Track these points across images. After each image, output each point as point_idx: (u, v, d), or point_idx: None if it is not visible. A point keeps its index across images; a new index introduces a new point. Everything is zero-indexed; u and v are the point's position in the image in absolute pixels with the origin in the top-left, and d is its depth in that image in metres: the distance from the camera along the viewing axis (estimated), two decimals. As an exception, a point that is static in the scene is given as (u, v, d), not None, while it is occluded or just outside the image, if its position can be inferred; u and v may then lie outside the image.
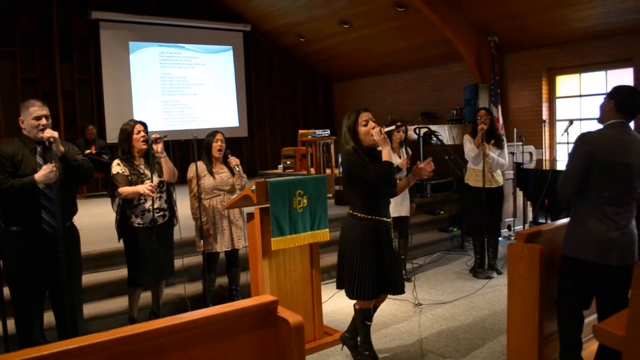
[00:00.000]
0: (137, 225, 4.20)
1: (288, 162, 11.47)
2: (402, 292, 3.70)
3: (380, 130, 3.52)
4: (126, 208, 4.19)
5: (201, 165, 4.89)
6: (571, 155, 3.15)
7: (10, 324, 3.93)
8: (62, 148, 3.56)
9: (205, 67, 12.37)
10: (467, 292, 5.42)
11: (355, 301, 3.76)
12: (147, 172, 4.24)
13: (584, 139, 3.10)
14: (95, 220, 6.51)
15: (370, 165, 3.48)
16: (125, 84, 11.22)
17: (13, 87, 9.95)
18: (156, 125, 11.39)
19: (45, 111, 3.58)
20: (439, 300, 5.22)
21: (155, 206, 4.22)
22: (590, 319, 3.44)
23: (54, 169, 3.42)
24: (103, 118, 10.90)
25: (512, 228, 7.74)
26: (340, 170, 3.75)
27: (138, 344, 2.02)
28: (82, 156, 3.81)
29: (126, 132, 4.26)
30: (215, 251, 4.85)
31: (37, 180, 3.44)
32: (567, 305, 3.20)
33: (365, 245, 3.55)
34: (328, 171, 9.08)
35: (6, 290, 3.81)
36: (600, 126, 3.21)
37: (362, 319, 3.75)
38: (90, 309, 4.78)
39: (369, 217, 3.58)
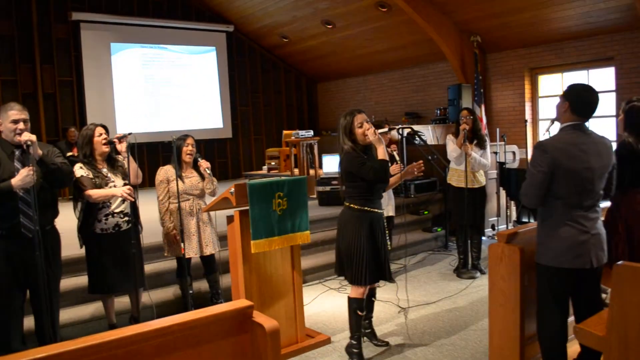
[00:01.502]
0: (99, 231, 4.10)
1: (272, 163, 11.41)
2: (393, 280, 4.05)
3: (374, 131, 3.75)
4: (89, 213, 4.09)
5: (170, 169, 4.80)
6: (532, 165, 3.06)
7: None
8: (39, 151, 3.50)
9: (189, 68, 12.29)
10: (450, 292, 5.41)
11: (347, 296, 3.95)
12: (111, 175, 4.16)
13: (542, 148, 3.01)
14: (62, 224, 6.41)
15: (368, 163, 3.70)
16: (107, 85, 11.11)
17: (-8, 89, 9.81)
18: (139, 126, 11.31)
19: (24, 115, 3.53)
20: (422, 301, 5.21)
21: (119, 210, 4.13)
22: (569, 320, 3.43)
23: (31, 173, 3.38)
24: (85, 120, 10.74)
25: (496, 227, 7.76)
26: (338, 168, 3.87)
27: (109, 351, 1.98)
28: (63, 159, 3.75)
29: (87, 136, 4.15)
30: (186, 257, 4.74)
31: (13, 185, 3.39)
32: (548, 314, 3.13)
33: (362, 234, 3.77)
34: (312, 172, 9.04)
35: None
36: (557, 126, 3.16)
37: (355, 308, 3.89)
38: (71, 313, 4.73)
39: (365, 208, 3.81)
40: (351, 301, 3.90)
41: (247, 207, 3.83)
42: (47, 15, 10.40)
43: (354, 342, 3.92)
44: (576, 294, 3.15)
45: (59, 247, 3.87)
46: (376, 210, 3.86)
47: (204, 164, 4.80)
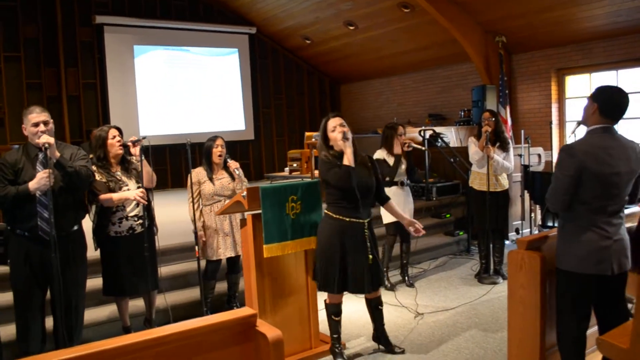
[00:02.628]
0: (113, 234, 4.09)
1: (294, 165, 11.36)
2: (365, 292, 3.82)
3: (343, 134, 3.69)
4: (103, 216, 4.08)
5: (201, 171, 4.79)
6: (558, 169, 2.95)
7: (6, 331, 3.89)
8: (57, 154, 3.51)
9: (211, 70, 12.30)
10: (470, 298, 5.27)
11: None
12: (125, 179, 4.15)
13: (569, 151, 2.90)
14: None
15: (334, 169, 3.67)
16: (131, 87, 11.18)
17: (19, 92, 9.96)
18: (162, 128, 11.38)
19: (43, 117, 3.55)
20: (441, 306, 5.08)
21: (133, 213, 4.12)
22: (591, 330, 3.29)
23: (46, 175, 3.38)
24: (108, 122, 10.84)
25: (520, 232, 7.57)
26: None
27: (106, 360, 1.93)
28: (86, 161, 3.74)
29: (101, 138, 4.14)
30: (217, 258, 4.74)
31: (30, 188, 3.43)
32: (569, 322, 3.01)
33: (330, 243, 3.72)
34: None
35: (7, 296, 3.82)
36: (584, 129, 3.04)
37: (330, 313, 3.91)
38: (86, 315, 4.70)
39: (337, 217, 3.73)
40: (326, 306, 3.92)
41: (260, 211, 3.77)
42: (71, 19, 10.51)
43: (334, 343, 3.95)
44: (599, 302, 3.02)
45: (84, 250, 3.88)
46: (352, 219, 3.71)
47: (233, 164, 4.77)
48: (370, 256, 3.73)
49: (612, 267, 2.86)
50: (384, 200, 4.09)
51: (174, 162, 11.45)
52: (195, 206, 4.66)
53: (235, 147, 12.41)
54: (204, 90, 12.21)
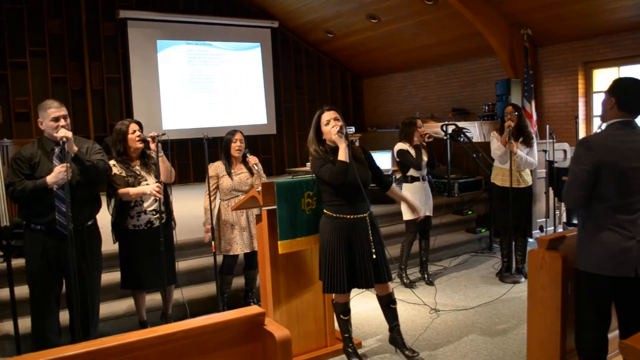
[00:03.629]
0: (132, 227, 4.10)
1: (316, 160, 11.32)
2: (372, 286, 3.72)
3: (338, 127, 3.55)
4: (121, 210, 4.09)
5: (220, 165, 4.76)
6: (574, 163, 2.82)
7: (23, 323, 3.93)
8: (75, 148, 3.51)
9: (233, 64, 12.29)
10: (491, 297, 5.17)
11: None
12: (144, 174, 4.15)
13: (586, 145, 2.78)
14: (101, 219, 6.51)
15: (327, 164, 3.56)
16: (154, 82, 11.23)
17: (44, 86, 10.08)
18: (184, 122, 11.43)
19: (63, 112, 3.56)
20: (460, 305, 4.98)
21: (152, 208, 4.12)
22: (612, 334, 3.18)
23: (64, 170, 3.39)
24: (132, 116, 10.89)
25: (545, 229, 7.41)
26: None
27: (110, 357, 1.90)
28: (103, 155, 3.75)
29: (121, 132, 4.14)
30: (233, 254, 4.72)
31: (48, 182, 3.44)
32: (587, 325, 2.91)
33: (333, 242, 3.62)
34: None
35: (25, 289, 3.87)
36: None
37: (338, 313, 3.85)
38: (104, 308, 4.74)
39: (336, 215, 3.64)
40: (334, 305, 3.87)
41: (275, 207, 3.72)
42: (95, 14, 10.60)
43: (347, 342, 3.87)
44: (620, 305, 2.90)
45: (99, 243, 3.89)
46: (352, 216, 3.62)
47: (253, 160, 4.74)
48: (374, 250, 3.65)
49: (636, 270, 2.73)
50: (387, 185, 3.99)
51: (196, 156, 11.49)
52: (212, 199, 4.65)
53: (257, 142, 12.41)
54: (226, 85, 12.21)
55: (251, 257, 4.88)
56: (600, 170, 2.73)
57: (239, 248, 4.70)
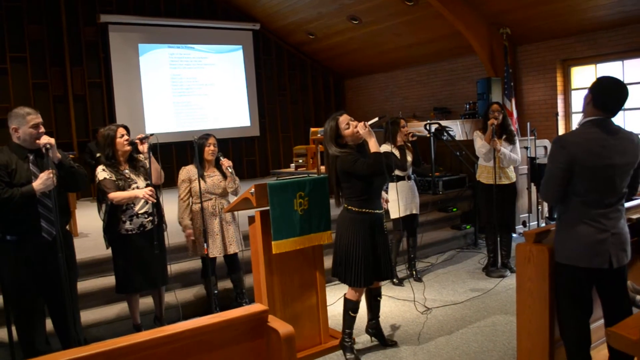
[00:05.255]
0: (124, 232, 4.12)
1: (300, 161, 11.38)
2: (391, 278, 4.10)
3: (364, 124, 3.71)
4: (113, 214, 4.11)
5: (192, 169, 4.81)
6: (550, 161, 2.94)
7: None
8: (58, 155, 3.51)
9: (216, 67, 12.31)
10: (479, 292, 5.29)
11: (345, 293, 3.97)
12: (133, 177, 4.18)
13: (560, 143, 2.89)
14: (89, 225, 6.53)
15: (360, 159, 3.66)
16: (136, 86, 11.21)
17: (25, 92, 10.00)
18: (168, 126, 11.42)
19: (40, 119, 3.53)
20: (449, 300, 5.09)
21: (143, 211, 4.15)
22: (598, 324, 3.31)
23: (52, 176, 3.39)
24: (114, 120, 10.88)
25: (527, 224, 7.56)
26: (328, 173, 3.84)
27: (120, 357, 1.95)
28: (74, 163, 3.74)
29: (109, 137, 4.15)
30: (210, 256, 4.74)
31: (35, 189, 3.40)
32: (569, 315, 3.04)
33: (359, 237, 3.74)
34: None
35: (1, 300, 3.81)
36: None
37: (349, 309, 3.92)
38: (96, 313, 4.77)
39: (362, 210, 3.76)
40: (346, 301, 3.93)
41: (268, 208, 3.79)
42: (75, 19, 10.54)
43: (345, 338, 3.96)
44: (602, 295, 3.03)
45: (74, 250, 3.89)
46: (375, 211, 3.81)
47: (226, 163, 4.80)
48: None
49: (610, 261, 2.85)
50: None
51: (180, 159, 11.48)
52: (186, 204, 4.73)
53: (241, 144, 12.45)
54: (209, 87, 12.23)
55: (231, 261, 4.94)
56: (573, 167, 2.84)
57: (211, 252, 4.73)
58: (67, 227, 3.84)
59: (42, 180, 3.40)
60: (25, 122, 3.46)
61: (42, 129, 3.50)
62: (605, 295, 3.04)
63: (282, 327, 2.19)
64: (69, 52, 10.41)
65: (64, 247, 3.53)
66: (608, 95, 2.87)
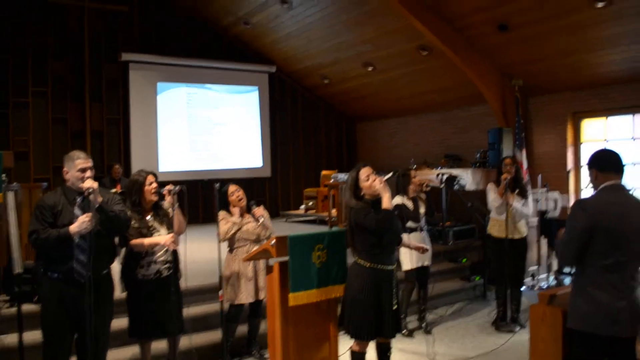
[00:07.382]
0: (140, 277, 4.15)
1: (310, 203, 11.48)
2: (393, 336, 3.96)
3: (380, 179, 3.81)
4: (131, 259, 4.16)
5: (226, 214, 4.89)
6: (570, 223, 3.00)
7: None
8: (99, 199, 3.60)
9: (231, 107, 12.53)
10: (489, 347, 5.28)
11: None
12: (156, 225, 4.22)
13: (581, 205, 2.98)
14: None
15: (372, 213, 3.73)
16: (152, 123, 11.42)
17: (44, 126, 10.23)
18: (181, 165, 11.57)
19: (90, 163, 3.66)
20: (460, 356, 5.09)
21: (162, 258, 4.19)
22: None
23: (88, 220, 3.47)
24: (129, 157, 11.09)
25: (536, 277, 7.57)
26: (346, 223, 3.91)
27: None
28: (122, 206, 3.84)
29: (137, 183, 4.21)
30: (239, 302, 4.78)
31: (71, 232, 3.49)
32: None
33: (363, 293, 3.77)
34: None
35: (32, 335, 3.88)
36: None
37: None
38: (110, 355, 4.77)
39: (371, 265, 3.81)
40: (353, 354, 3.97)
41: (287, 258, 3.86)
42: (98, 56, 10.83)
43: None
44: None
45: (112, 292, 3.95)
46: (384, 267, 3.83)
47: (258, 212, 4.88)
48: (395, 300, 3.87)
49: (626, 330, 2.87)
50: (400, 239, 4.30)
51: (191, 199, 11.56)
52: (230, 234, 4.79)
53: (252, 185, 12.56)
54: (224, 127, 12.42)
55: (256, 306, 4.96)
56: (593, 231, 2.89)
57: (244, 297, 4.78)
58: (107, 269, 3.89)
59: (79, 224, 3.48)
60: (74, 165, 3.60)
61: (89, 173, 3.61)
62: None
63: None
64: (89, 88, 10.67)
65: (102, 289, 3.66)
66: (606, 158, 3.05)
